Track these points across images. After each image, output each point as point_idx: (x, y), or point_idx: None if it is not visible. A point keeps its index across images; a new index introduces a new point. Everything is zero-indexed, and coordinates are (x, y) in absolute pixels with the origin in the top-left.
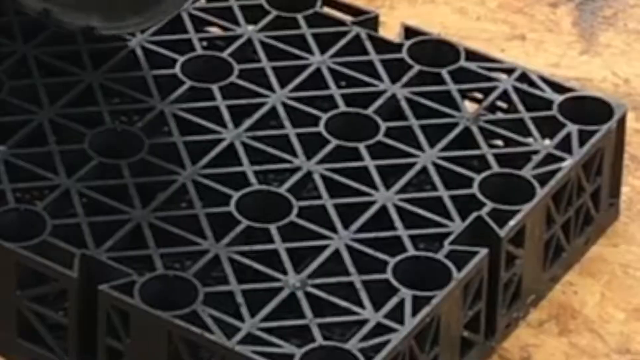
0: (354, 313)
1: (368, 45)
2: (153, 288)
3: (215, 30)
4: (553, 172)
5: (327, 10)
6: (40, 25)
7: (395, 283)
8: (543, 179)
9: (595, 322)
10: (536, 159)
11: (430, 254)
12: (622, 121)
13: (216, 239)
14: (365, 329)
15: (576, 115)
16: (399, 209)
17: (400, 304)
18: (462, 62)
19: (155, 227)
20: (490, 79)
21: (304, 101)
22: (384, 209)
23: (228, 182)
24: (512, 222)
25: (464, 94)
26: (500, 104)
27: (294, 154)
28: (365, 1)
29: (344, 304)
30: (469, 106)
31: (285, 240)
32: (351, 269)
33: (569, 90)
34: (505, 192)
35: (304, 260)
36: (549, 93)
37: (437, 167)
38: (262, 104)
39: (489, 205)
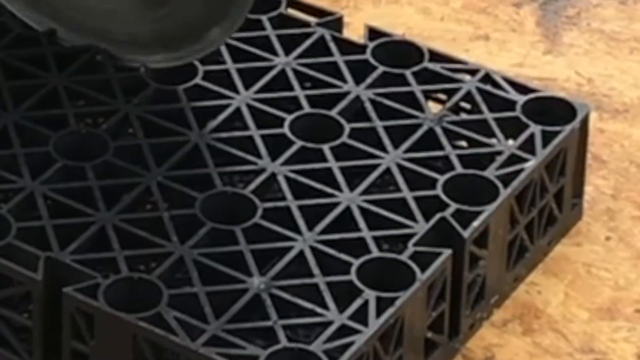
0: (318, 314)
1: (332, 46)
2: (118, 290)
3: None
4: (516, 173)
5: (291, 11)
6: (3, 28)
7: (359, 284)
8: (506, 180)
9: (558, 322)
10: (500, 159)
11: (394, 255)
12: (585, 121)
13: (181, 241)
14: (329, 331)
15: (539, 115)
16: (363, 210)
17: (364, 305)
18: (426, 63)
19: (120, 229)
20: (454, 80)
21: (269, 102)
22: (348, 211)
23: (193, 184)
24: (475, 223)
25: (428, 95)
26: (464, 104)
27: (258, 155)
28: (329, 2)
29: (308, 305)
30: (433, 107)
31: (249, 242)
32: (315, 270)
33: (532, 90)
34: (468, 193)
35: (268, 261)
36: (512, 94)
37: (401, 168)
38: (226, 106)
39: (453, 206)
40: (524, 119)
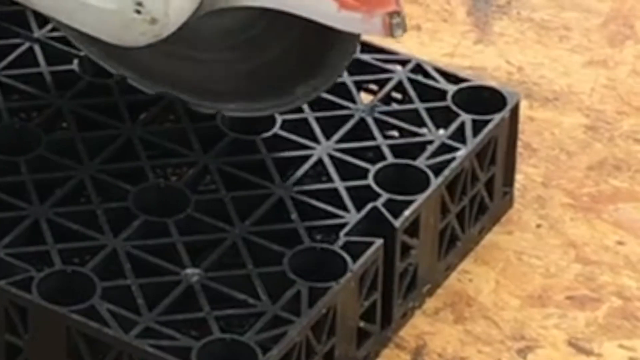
0: (251, 305)
1: None
2: (51, 283)
3: None
4: (447, 162)
5: None
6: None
7: (291, 275)
8: (437, 169)
9: (490, 310)
10: (431, 149)
11: (325, 246)
12: (515, 110)
13: (114, 234)
14: (262, 321)
15: (470, 105)
16: (295, 201)
17: (297, 296)
18: (358, 54)
19: (54, 222)
20: (385, 71)
21: None
22: (280, 201)
23: (126, 177)
24: (406, 212)
25: (360, 86)
26: (395, 95)
27: (190, 148)
28: None
29: (241, 296)
30: (365, 98)
31: (182, 234)
32: (248, 261)
33: (462, 80)
34: (400, 182)
35: (201, 253)
36: (442, 83)
37: (332, 158)
38: (159, 98)
39: (384, 196)
40: (454, 108)
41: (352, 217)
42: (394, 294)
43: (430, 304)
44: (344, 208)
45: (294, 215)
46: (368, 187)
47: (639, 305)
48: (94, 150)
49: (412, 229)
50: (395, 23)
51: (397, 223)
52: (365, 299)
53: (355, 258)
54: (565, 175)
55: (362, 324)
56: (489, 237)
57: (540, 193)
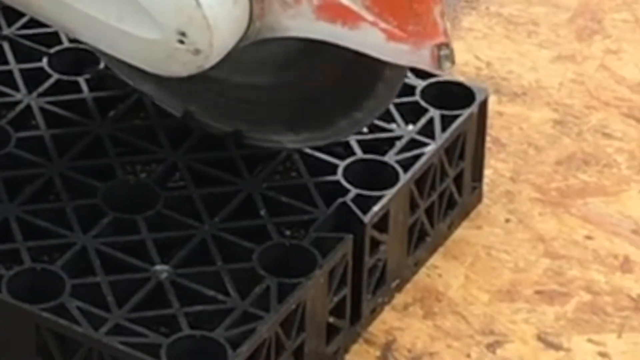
0: (221, 302)
1: None
2: (21, 281)
3: None
4: (416, 157)
5: None
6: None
7: (260, 271)
8: (406, 165)
9: (459, 305)
10: (399, 144)
11: (295, 241)
12: (483, 105)
13: (84, 231)
14: (231, 317)
15: (439, 100)
16: (264, 197)
17: (266, 292)
18: None
19: (23, 220)
20: None
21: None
22: (249, 198)
23: (95, 174)
24: (375, 208)
25: None
26: None
27: (159, 144)
28: None
29: (210, 293)
30: None
31: (152, 230)
32: (217, 258)
33: (431, 75)
34: (369, 178)
35: (171, 250)
36: (411, 79)
37: (302, 154)
38: (128, 95)
39: (353, 192)
40: (423, 103)
41: (321, 212)
42: (363, 289)
43: (399, 299)
44: (313, 204)
45: (263, 212)
46: (337, 182)
47: (607, 300)
48: (63, 147)
49: (381, 224)
50: (443, 55)
51: (366, 218)
52: (334, 295)
53: (324, 254)
54: (534, 170)
55: (331, 319)
56: (458, 232)
57: (509, 188)
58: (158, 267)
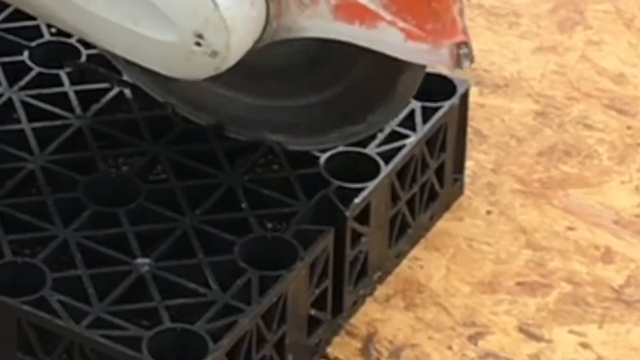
0: (202, 294)
1: None
2: (2, 275)
3: None
4: (397, 149)
5: None
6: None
7: (242, 263)
8: (387, 156)
9: (440, 296)
10: (380, 136)
11: (276, 234)
12: (464, 97)
13: (65, 225)
14: (213, 310)
15: (420, 92)
16: (245, 190)
17: (248, 284)
18: None
19: (4, 214)
20: None
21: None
22: (231, 190)
23: (76, 167)
24: (357, 200)
25: None
26: None
27: (141, 137)
28: None
29: (192, 285)
30: None
31: (133, 223)
32: (199, 251)
33: None
34: (350, 170)
35: (152, 243)
36: None
37: (282, 147)
38: (110, 89)
39: (334, 184)
40: None
41: (303, 205)
42: (345, 281)
43: (381, 291)
44: (295, 196)
45: (244, 204)
46: (318, 175)
47: (589, 291)
48: (45, 140)
49: (363, 216)
50: (462, 54)
51: (347, 211)
52: (316, 287)
53: (305, 246)
54: (516, 162)
55: (313, 311)
56: (440, 224)
57: (490, 179)
58: (139, 260)
